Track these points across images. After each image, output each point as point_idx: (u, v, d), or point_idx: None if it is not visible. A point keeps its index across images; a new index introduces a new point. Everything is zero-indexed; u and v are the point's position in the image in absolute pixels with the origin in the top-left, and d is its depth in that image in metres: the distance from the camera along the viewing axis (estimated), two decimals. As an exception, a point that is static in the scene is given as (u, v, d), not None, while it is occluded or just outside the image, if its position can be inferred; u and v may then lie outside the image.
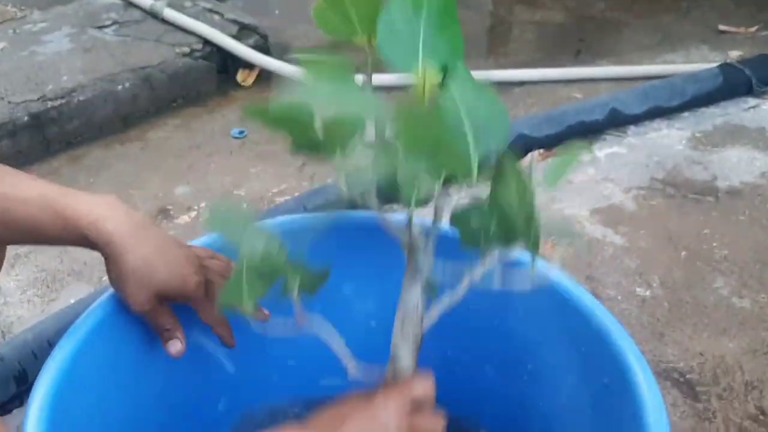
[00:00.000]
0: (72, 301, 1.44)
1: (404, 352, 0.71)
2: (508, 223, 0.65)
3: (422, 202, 0.67)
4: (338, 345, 0.71)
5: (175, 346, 0.84)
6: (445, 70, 0.69)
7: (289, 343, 0.82)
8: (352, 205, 0.75)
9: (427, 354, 0.76)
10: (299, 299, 0.71)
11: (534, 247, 0.66)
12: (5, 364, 1.25)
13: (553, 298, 0.87)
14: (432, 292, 0.72)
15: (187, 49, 2.23)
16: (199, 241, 0.93)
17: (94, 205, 0.77)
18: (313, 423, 0.68)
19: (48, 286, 1.53)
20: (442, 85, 0.68)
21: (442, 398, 0.87)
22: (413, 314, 0.70)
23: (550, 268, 0.89)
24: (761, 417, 1.21)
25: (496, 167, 0.64)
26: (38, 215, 0.75)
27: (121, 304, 0.83)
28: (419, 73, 0.68)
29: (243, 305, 0.69)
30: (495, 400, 0.98)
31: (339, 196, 1.59)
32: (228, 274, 0.86)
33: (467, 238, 0.70)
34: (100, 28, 2.32)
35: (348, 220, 1.01)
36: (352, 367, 0.71)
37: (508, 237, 0.67)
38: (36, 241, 0.80)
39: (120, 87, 2.05)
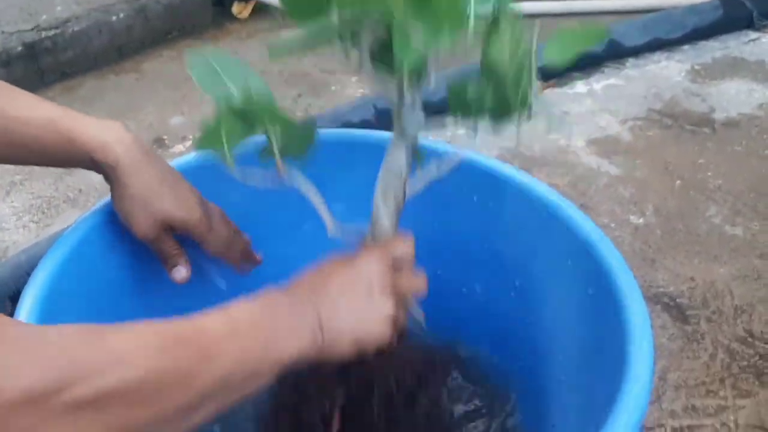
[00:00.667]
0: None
1: (384, 215, 0.72)
2: (499, 86, 0.64)
3: (415, 64, 0.64)
4: (318, 202, 0.72)
5: (180, 273, 0.85)
6: None
7: (282, 262, 0.83)
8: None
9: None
10: (278, 149, 0.70)
11: (523, 103, 0.65)
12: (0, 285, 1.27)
13: (541, 213, 0.88)
14: (418, 158, 0.72)
15: (182, -19, 2.21)
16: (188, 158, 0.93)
17: (101, 129, 0.77)
18: (296, 284, 0.69)
19: (43, 213, 1.54)
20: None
21: (433, 316, 0.89)
22: (396, 177, 0.70)
23: (536, 182, 0.90)
24: (749, 339, 1.22)
25: (491, 21, 0.62)
26: (43, 136, 0.76)
27: (111, 215, 0.84)
28: None
29: (221, 150, 0.68)
30: (484, 315, 0.99)
31: (332, 125, 1.59)
32: (225, 217, 0.88)
33: (458, 108, 0.69)
34: (95, -42, 2.29)
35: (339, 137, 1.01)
36: (331, 225, 0.73)
37: (501, 105, 0.66)
38: (38, 162, 0.80)
39: (114, 18, 2.04)
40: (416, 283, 0.74)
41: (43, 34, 1.93)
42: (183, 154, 1.68)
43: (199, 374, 0.55)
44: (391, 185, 0.71)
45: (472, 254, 0.98)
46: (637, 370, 0.66)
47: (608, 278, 0.79)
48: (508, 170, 0.94)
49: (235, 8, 2.31)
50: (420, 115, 0.68)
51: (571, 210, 0.86)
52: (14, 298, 1.26)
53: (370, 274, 0.69)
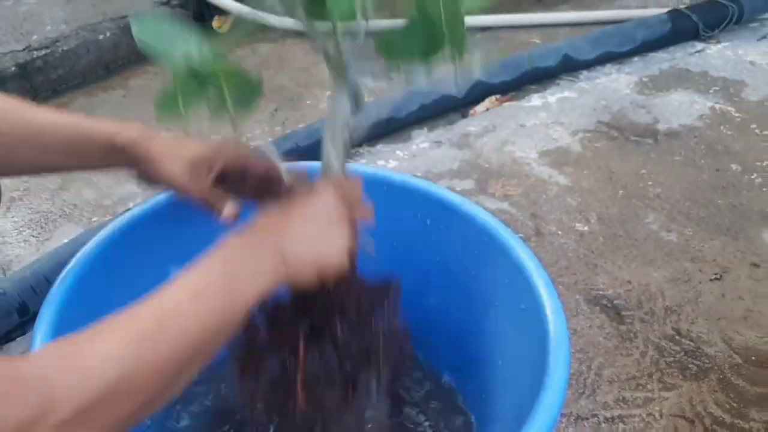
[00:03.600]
0: (65, 240, 1.58)
1: (334, 158, 0.80)
2: (433, 32, 0.69)
3: (347, 11, 0.69)
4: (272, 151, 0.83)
5: (229, 209, 0.88)
6: None
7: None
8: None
9: None
10: (232, 103, 0.78)
11: (459, 49, 0.70)
12: (7, 298, 1.40)
13: (483, 237, 1.02)
14: (360, 102, 0.79)
15: (164, -2, 2.34)
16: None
17: (118, 122, 0.88)
18: (257, 225, 0.73)
19: (42, 227, 1.67)
20: None
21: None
22: (342, 122, 0.78)
23: (479, 209, 1.04)
24: (677, 337, 1.38)
25: None
26: (73, 136, 0.85)
27: (124, 236, 0.97)
28: None
29: (179, 113, 0.74)
30: (438, 323, 1.14)
31: (308, 140, 1.74)
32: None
33: (388, 52, 0.74)
34: (80, -24, 2.42)
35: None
36: (284, 170, 0.83)
37: (433, 46, 0.71)
38: (70, 163, 0.89)
39: (101, 36, 2.17)
40: (366, 212, 0.80)
41: (35, 53, 2.05)
42: (169, 169, 1.82)
43: (173, 352, 0.59)
44: (338, 130, 0.79)
45: (428, 271, 1.12)
46: (554, 377, 0.81)
47: (536, 296, 0.93)
48: (457, 198, 1.09)
49: (215, 23, 2.44)
50: (354, 61, 0.75)
51: (507, 234, 1.01)
52: (20, 310, 1.40)
53: (327, 207, 0.75)
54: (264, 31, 2.43)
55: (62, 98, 2.09)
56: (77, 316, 0.92)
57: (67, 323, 0.90)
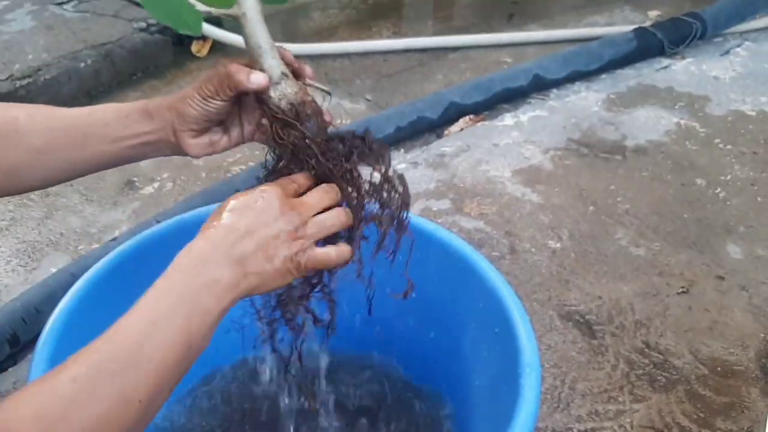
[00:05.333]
0: (53, 270, 1.62)
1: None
2: None
3: None
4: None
5: (257, 75, 0.83)
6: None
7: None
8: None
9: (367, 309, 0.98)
10: None
11: None
12: (-2, 330, 1.44)
13: (458, 264, 1.08)
14: None
15: (143, 24, 2.38)
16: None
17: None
18: (207, 238, 0.73)
19: (29, 256, 1.71)
20: None
21: (374, 345, 1.11)
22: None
23: (454, 237, 1.10)
24: (646, 350, 1.44)
25: None
26: (110, 116, 0.86)
27: (118, 267, 1.01)
28: None
29: None
30: (415, 344, 1.19)
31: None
32: None
33: None
34: (60, 4, 2.46)
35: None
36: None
37: None
38: (108, 152, 0.87)
39: (83, 64, 2.21)
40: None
41: (17, 83, 2.09)
42: (152, 195, 1.87)
43: (137, 385, 0.61)
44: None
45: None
46: (527, 396, 0.87)
47: (509, 320, 0.99)
48: (432, 227, 1.14)
49: (194, 47, 2.49)
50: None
51: (481, 261, 1.07)
52: (11, 341, 1.44)
53: (272, 211, 0.76)
54: (243, 54, 2.48)
55: (45, 126, 2.13)
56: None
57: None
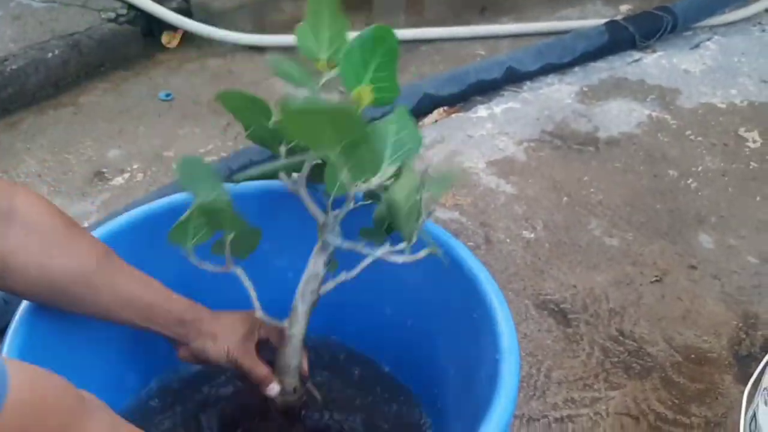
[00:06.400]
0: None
1: (301, 307, 0.92)
2: (397, 217, 0.85)
3: (338, 193, 0.86)
4: (251, 291, 0.93)
5: (276, 388, 0.97)
6: (388, 102, 0.91)
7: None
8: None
9: (344, 301, 0.99)
10: (230, 248, 0.90)
11: (411, 231, 0.87)
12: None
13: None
14: (332, 267, 0.93)
15: (112, 14, 2.34)
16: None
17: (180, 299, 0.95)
18: None
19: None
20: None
21: (354, 332, 1.11)
22: (314, 280, 0.91)
23: (431, 224, 1.09)
24: (620, 338, 1.45)
25: (396, 172, 0.84)
26: (154, 312, 0.92)
27: None
28: (359, 93, 0.89)
29: (185, 245, 0.88)
30: (393, 333, 1.18)
31: (261, 156, 1.77)
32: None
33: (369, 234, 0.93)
34: (26, -7, 2.41)
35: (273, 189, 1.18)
36: (258, 309, 0.93)
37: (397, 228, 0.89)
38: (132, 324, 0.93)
39: (50, 54, 2.17)
40: None
41: (-17, 74, 2.05)
42: (122, 187, 1.84)
43: None
44: (309, 284, 0.91)
45: (383, 281, 1.17)
46: (506, 381, 0.87)
47: (487, 306, 0.98)
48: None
49: (165, 38, 2.45)
50: (338, 232, 0.89)
51: (459, 248, 1.06)
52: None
53: None
54: (213, 45, 2.45)
55: (12, 117, 2.09)
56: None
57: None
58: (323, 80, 0.93)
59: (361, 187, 0.84)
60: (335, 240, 0.90)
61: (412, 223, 0.86)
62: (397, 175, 0.83)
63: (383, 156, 0.88)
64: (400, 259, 0.90)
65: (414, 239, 0.88)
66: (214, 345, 0.95)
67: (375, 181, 0.84)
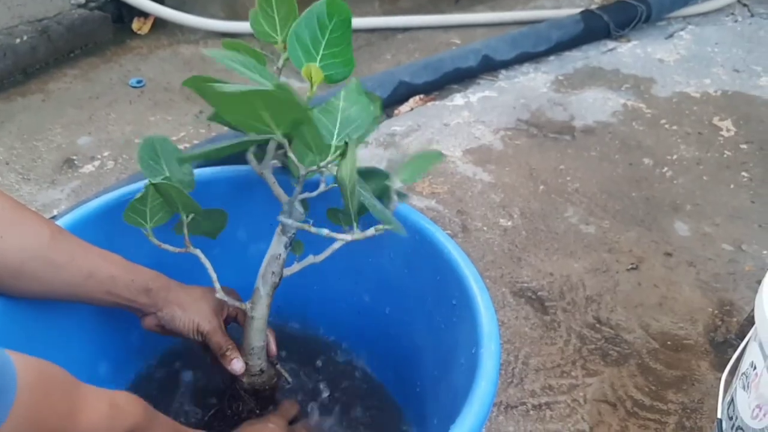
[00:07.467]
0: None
1: (262, 289, 0.91)
2: (344, 195, 0.84)
3: (296, 173, 0.85)
4: (210, 271, 0.92)
5: (238, 364, 0.95)
6: (342, 78, 0.89)
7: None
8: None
9: (323, 286, 1.02)
10: (187, 229, 0.90)
11: (354, 211, 0.87)
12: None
13: (414, 236, 1.06)
14: (298, 250, 0.92)
15: (82, 0, 2.30)
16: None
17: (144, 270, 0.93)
18: None
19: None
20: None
21: (330, 320, 1.09)
22: (275, 262, 0.89)
23: (411, 210, 1.08)
24: (597, 325, 1.45)
25: (342, 150, 0.82)
26: (118, 283, 0.89)
27: None
28: (308, 71, 0.86)
29: (144, 227, 0.88)
30: (371, 320, 1.17)
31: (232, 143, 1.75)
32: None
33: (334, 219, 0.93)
34: (-7, -22, 2.36)
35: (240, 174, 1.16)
36: (219, 290, 0.92)
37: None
38: (99, 300, 0.90)
39: (18, 40, 2.12)
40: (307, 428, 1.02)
41: (-51, 59, 2.00)
42: (93, 174, 1.81)
43: None
44: (270, 266, 0.89)
45: (362, 269, 1.16)
46: (486, 366, 0.85)
47: (467, 291, 0.97)
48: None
49: (135, 24, 2.42)
50: (298, 214, 0.88)
51: (438, 234, 1.05)
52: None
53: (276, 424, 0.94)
54: (185, 32, 2.42)
55: (-21, 104, 2.05)
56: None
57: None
58: (281, 62, 0.93)
59: (312, 168, 0.83)
60: (287, 221, 0.88)
61: (357, 200, 0.85)
62: (343, 152, 0.81)
63: (332, 134, 0.88)
64: (348, 237, 0.88)
65: (356, 218, 0.88)
66: (183, 315, 0.93)
67: (322, 161, 0.83)
